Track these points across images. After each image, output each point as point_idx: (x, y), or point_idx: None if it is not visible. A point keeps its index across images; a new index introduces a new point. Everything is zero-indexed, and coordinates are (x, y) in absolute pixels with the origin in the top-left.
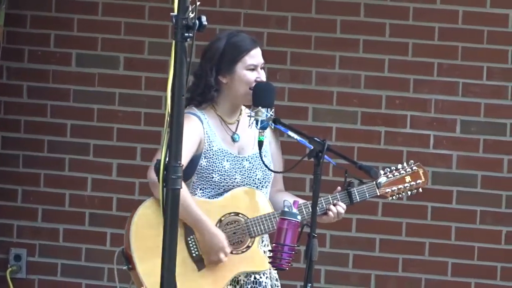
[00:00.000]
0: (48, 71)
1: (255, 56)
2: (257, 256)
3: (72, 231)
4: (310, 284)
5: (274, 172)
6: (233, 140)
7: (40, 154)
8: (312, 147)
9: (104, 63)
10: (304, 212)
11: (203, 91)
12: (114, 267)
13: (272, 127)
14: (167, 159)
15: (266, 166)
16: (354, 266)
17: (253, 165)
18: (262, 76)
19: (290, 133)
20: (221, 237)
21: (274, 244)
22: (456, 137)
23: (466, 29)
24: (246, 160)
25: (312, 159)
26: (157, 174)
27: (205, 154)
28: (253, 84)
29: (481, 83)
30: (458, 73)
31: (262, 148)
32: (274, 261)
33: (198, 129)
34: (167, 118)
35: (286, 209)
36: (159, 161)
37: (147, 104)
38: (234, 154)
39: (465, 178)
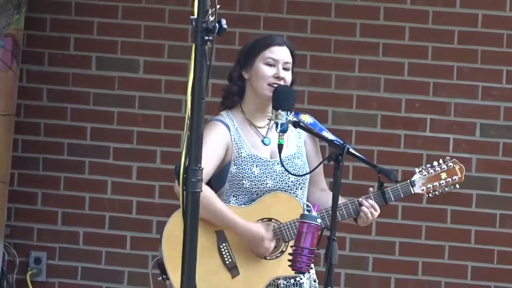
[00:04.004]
0: (68, 74)
1: (276, 52)
2: None
3: (92, 234)
4: None
5: (294, 175)
6: (264, 143)
7: (60, 157)
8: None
9: (124, 66)
10: (341, 213)
11: (229, 88)
12: (151, 273)
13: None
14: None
15: (286, 169)
16: (373, 270)
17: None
18: (281, 73)
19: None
20: (257, 228)
21: (293, 247)
22: (476, 140)
23: (486, 33)
24: (278, 163)
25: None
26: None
27: (234, 161)
28: (271, 80)
29: (501, 87)
30: (478, 77)
31: (296, 148)
32: (294, 264)
33: (225, 136)
34: (187, 122)
35: (305, 212)
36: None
37: (167, 107)
38: (264, 158)
39: (485, 181)
